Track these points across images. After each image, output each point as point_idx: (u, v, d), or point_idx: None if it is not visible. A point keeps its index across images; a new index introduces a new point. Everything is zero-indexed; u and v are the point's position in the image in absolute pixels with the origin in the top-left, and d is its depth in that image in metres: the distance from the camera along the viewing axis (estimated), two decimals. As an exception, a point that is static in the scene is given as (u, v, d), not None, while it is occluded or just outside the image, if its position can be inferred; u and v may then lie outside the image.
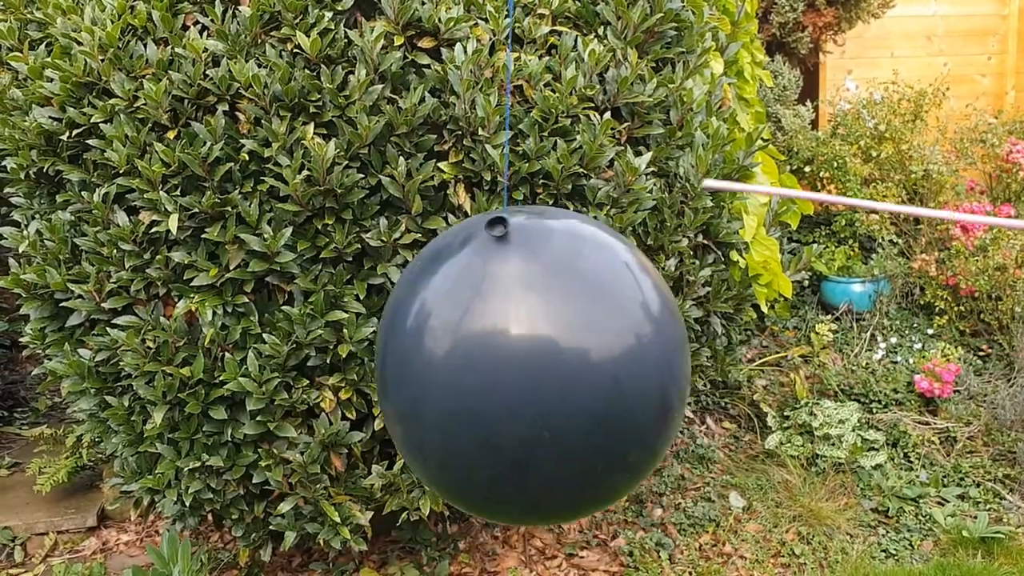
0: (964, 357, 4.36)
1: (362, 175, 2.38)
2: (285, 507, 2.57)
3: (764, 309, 3.06)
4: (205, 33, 2.43)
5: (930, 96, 4.87)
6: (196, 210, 2.36)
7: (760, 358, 4.50)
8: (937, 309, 4.64)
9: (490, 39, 2.46)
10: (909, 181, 4.82)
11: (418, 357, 1.26)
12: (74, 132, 2.44)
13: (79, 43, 2.41)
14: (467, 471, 1.28)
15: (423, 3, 2.40)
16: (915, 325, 4.71)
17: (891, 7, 5.23)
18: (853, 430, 3.81)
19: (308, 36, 2.31)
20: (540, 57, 2.49)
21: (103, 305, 2.50)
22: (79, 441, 3.50)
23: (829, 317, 4.76)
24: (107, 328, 2.50)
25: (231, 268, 2.40)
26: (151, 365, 2.44)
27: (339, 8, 2.39)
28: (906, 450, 3.83)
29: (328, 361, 2.47)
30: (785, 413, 4.06)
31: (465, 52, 2.34)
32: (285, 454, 2.51)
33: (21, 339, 2.82)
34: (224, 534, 3.38)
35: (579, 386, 1.20)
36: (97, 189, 2.45)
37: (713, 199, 2.76)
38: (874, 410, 4.07)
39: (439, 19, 2.38)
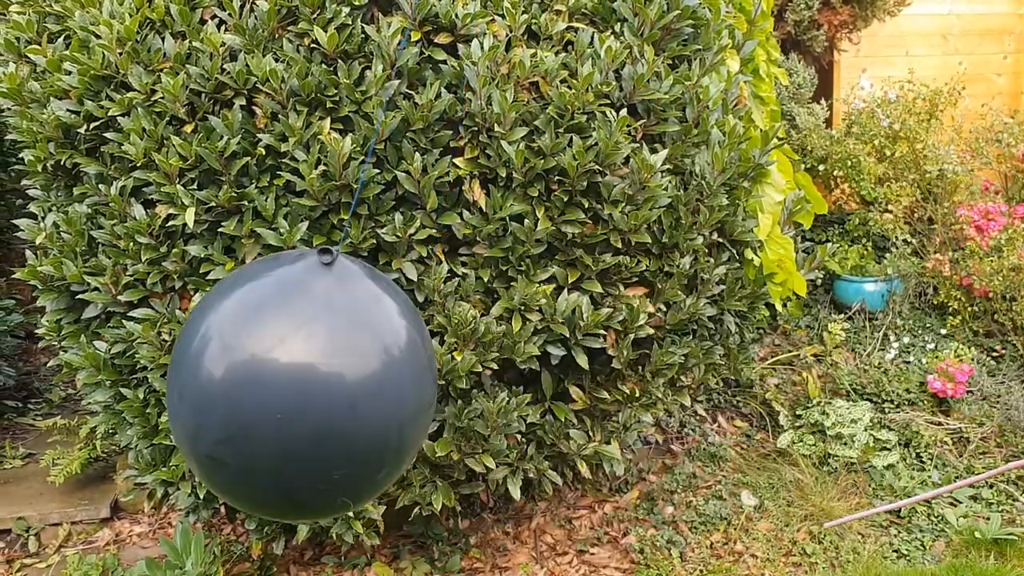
0: (977, 358, 4.34)
1: (378, 170, 2.38)
2: (298, 500, 2.57)
3: (778, 307, 3.05)
4: (223, 27, 2.43)
5: (945, 95, 4.84)
6: (213, 204, 2.37)
7: (772, 357, 4.50)
8: (950, 309, 4.63)
9: (507, 35, 2.46)
10: (924, 181, 4.80)
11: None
12: (92, 125, 2.45)
13: (97, 36, 2.42)
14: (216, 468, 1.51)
15: (440, -1, 2.40)
16: (928, 325, 4.69)
17: (907, 5, 5.20)
18: (865, 430, 3.80)
19: (325, 31, 2.31)
20: (556, 53, 2.48)
21: (119, 298, 2.51)
22: (93, 432, 3.52)
23: (842, 316, 4.74)
24: (123, 321, 2.51)
25: (247, 262, 2.41)
26: (167, 358, 2.45)
27: (356, 3, 2.39)
28: (918, 450, 3.82)
29: (342, 355, 2.47)
30: (797, 412, 4.06)
31: (482, 48, 2.34)
32: (299, 448, 2.51)
33: (37, 331, 2.84)
34: (237, 527, 3.39)
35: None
36: (114, 182, 2.46)
37: (729, 197, 2.75)
38: (886, 410, 4.06)
39: (456, 15, 2.38)
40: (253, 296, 1.48)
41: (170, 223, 2.42)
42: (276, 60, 2.37)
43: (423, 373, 1.55)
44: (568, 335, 2.55)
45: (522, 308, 2.49)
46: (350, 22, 2.36)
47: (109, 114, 2.42)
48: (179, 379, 1.48)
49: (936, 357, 4.27)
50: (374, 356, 1.46)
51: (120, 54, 2.39)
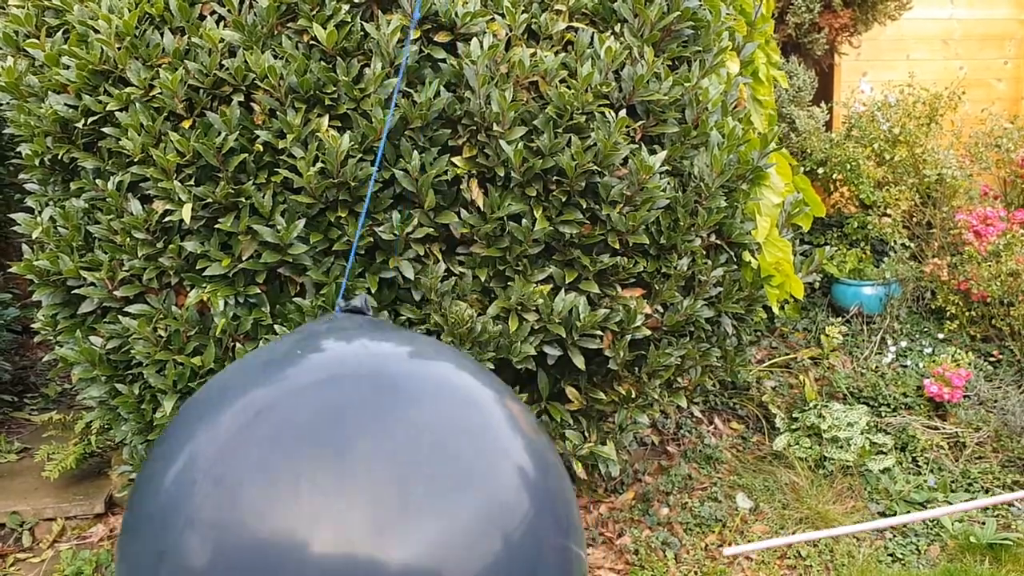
0: (974, 362, 4.34)
1: (376, 168, 2.38)
2: (292, 498, 2.57)
3: (775, 310, 3.05)
4: (222, 23, 2.43)
5: (945, 99, 4.84)
6: (210, 200, 2.37)
7: (769, 359, 4.49)
8: (948, 314, 4.62)
9: (506, 34, 2.45)
10: (922, 185, 4.80)
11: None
12: (89, 120, 2.45)
13: (96, 31, 2.41)
14: None
15: (440, -3, 2.39)
16: (926, 329, 4.69)
17: (908, 9, 5.20)
18: (861, 433, 3.80)
19: (324, 28, 2.31)
20: (556, 53, 2.48)
21: (115, 293, 2.50)
22: (88, 428, 3.51)
23: (839, 320, 4.74)
24: (119, 316, 2.51)
25: (244, 259, 2.40)
26: (162, 354, 2.45)
27: (356, 1, 2.39)
28: (914, 454, 3.81)
29: (338, 353, 2.47)
30: (793, 415, 4.05)
31: (481, 47, 2.33)
32: (294, 445, 2.51)
33: (33, 325, 2.83)
34: (231, 524, 3.38)
35: None
36: (111, 177, 2.45)
37: (727, 199, 2.75)
38: (883, 414, 4.05)
39: (456, 13, 2.38)
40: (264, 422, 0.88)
41: (167, 219, 2.42)
42: (275, 57, 2.36)
43: (571, 523, 0.95)
44: (565, 335, 2.55)
45: (519, 308, 2.49)
46: (349, 19, 2.36)
47: (107, 109, 2.41)
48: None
49: (933, 361, 4.27)
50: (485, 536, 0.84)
51: (119, 49, 2.39)
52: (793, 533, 3.35)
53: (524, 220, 2.44)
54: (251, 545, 0.77)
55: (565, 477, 0.94)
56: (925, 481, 3.66)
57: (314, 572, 0.76)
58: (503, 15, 2.45)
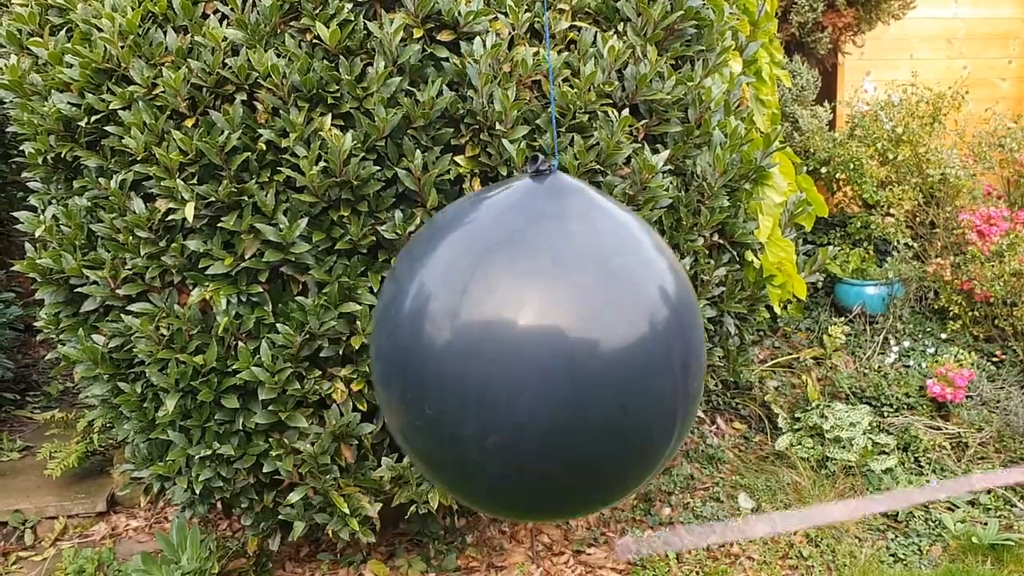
0: (977, 363, 4.33)
1: (378, 167, 2.38)
2: (294, 497, 2.57)
3: (777, 310, 3.04)
4: (225, 22, 2.43)
5: (949, 99, 4.83)
6: (212, 199, 2.37)
7: (772, 359, 4.49)
8: (951, 314, 4.62)
9: (509, 33, 2.45)
10: (926, 184, 4.79)
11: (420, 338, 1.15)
12: (92, 118, 2.45)
13: (99, 29, 2.41)
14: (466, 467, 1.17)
15: (443, -4, 2.39)
16: (928, 329, 4.69)
17: (912, 8, 5.19)
18: (864, 433, 3.79)
19: (327, 27, 2.31)
20: (559, 52, 2.48)
21: (118, 291, 2.50)
22: (90, 426, 3.51)
23: (842, 319, 4.73)
24: (121, 314, 2.51)
25: (246, 257, 2.40)
26: (164, 352, 2.45)
27: (359, 0, 2.38)
28: (917, 455, 3.81)
29: (341, 352, 2.47)
30: (796, 415, 4.05)
31: (484, 46, 2.33)
32: (296, 444, 2.51)
33: (35, 323, 2.83)
34: (233, 522, 3.39)
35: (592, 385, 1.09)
36: (114, 175, 2.45)
37: (730, 199, 2.75)
38: (885, 414, 4.05)
39: (459, 12, 2.37)
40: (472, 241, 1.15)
41: (170, 217, 2.42)
42: (278, 55, 2.36)
43: (696, 327, 1.20)
44: (567, 335, 2.54)
45: (521, 307, 2.48)
46: (352, 18, 2.35)
47: (110, 107, 2.41)
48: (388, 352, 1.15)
49: (936, 361, 4.27)
50: (642, 317, 1.10)
51: (122, 47, 2.39)
52: (795, 533, 3.35)
53: (527, 219, 2.44)
54: (481, 322, 1.07)
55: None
56: (927, 481, 3.65)
57: (530, 343, 1.05)
58: (506, 14, 2.45)
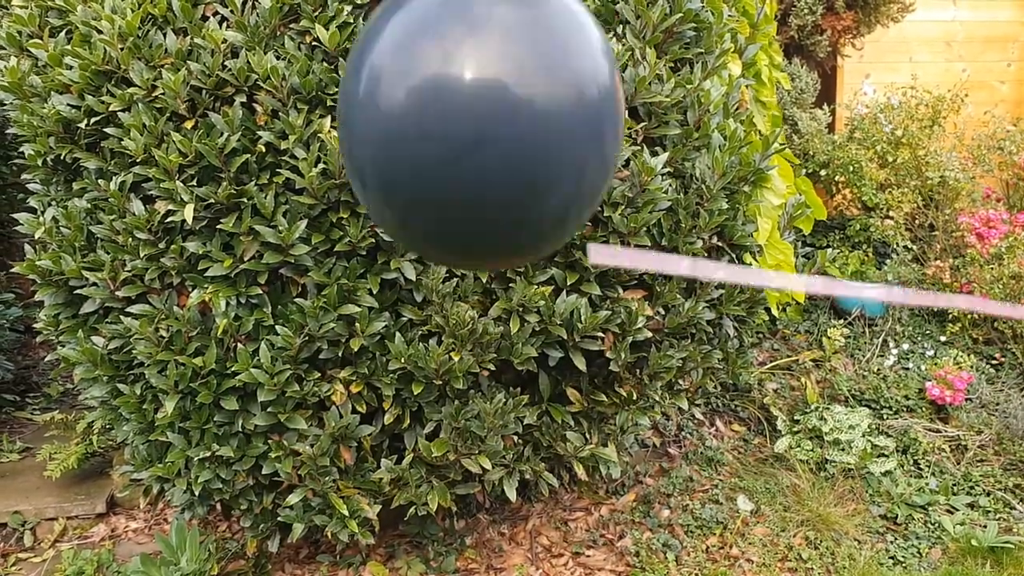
0: (977, 365, 4.33)
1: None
2: (294, 499, 2.57)
3: (775, 312, 3.05)
4: (224, 24, 2.43)
5: (948, 102, 4.84)
6: (212, 201, 2.37)
7: (771, 361, 4.49)
8: (950, 316, 4.62)
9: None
10: (925, 187, 4.80)
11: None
12: (92, 120, 2.45)
13: (99, 31, 2.42)
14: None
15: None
16: (928, 332, 4.69)
17: (911, 11, 5.19)
18: (863, 436, 3.79)
19: (327, 29, 2.31)
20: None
21: (117, 293, 2.51)
22: (90, 428, 3.52)
23: (841, 322, 4.74)
24: (121, 316, 2.51)
25: (245, 259, 2.41)
26: (164, 354, 2.45)
27: (358, 2, 2.39)
28: (916, 457, 3.81)
29: (340, 354, 2.47)
30: (795, 417, 4.05)
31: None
32: (295, 446, 2.52)
33: (35, 325, 2.84)
34: (232, 524, 3.39)
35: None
36: (114, 177, 2.46)
37: (729, 201, 2.75)
38: (884, 416, 4.05)
39: (458, 15, 2.37)
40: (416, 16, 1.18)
41: (169, 219, 2.42)
42: (277, 57, 2.37)
43: (618, 121, 1.24)
44: (566, 337, 2.55)
45: (520, 309, 2.49)
46: (351, 20, 2.36)
47: (110, 109, 2.42)
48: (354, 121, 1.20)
49: (935, 364, 4.27)
50: (577, 87, 1.16)
51: (121, 49, 2.39)
52: (794, 536, 3.35)
53: (526, 221, 2.44)
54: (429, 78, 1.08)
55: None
56: (926, 484, 3.65)
57: (468, 94, 1.08)
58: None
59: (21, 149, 2.65)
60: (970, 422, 3.98)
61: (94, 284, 2.53)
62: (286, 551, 3.21)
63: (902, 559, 3.24)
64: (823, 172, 5.00)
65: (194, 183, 2.39)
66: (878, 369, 4.37)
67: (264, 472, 2.55)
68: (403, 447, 2.66)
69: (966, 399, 4.06)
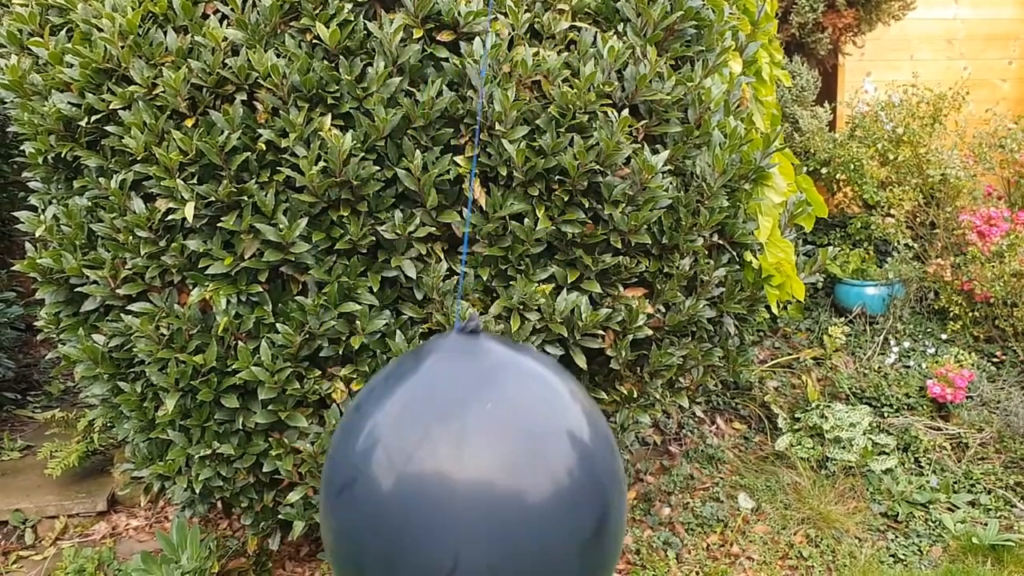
0: (978, 363, 4.33)
1: (378, 167, 2.38)
2: (294, 496, 2.57)
3: (775, 311, 3.04)
4: (225, 22, 2.43)
5: (949, 100, 4.84)
6: (212, 199, 2.37)
7: (772, 359, 4.49)
8: (951, 314, 4.62)
9: (509, 34, 2.45)
10: (926, 185, 4.79)
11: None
12: (92, 118, 2.45)
13: (99, 29, 2.42)
14: None
15: (443, -4, 2.39)
16: (929, 330, 4.69)
17: (912, 9, 5.19)
18: (864, 434, 3.79)
19: (328, 27, 2.31)
20: (559, 52, 2.48)
21: (118, 291, 2.51)
22: (91, 426, 3.52)
23: (842, 320, 4.74)
24: (121, 314, 2.51)
25: (246, 257, 2.41)
26: (164, 352, 2.45)
27: (359, 0, 2.39)
28: (917, 455, 3.81)
29: (340, 352, 2.48)
30: (796, 415, 4.05)
31: (484, 46, 2.33)
32: (295, 444, 2.52)
33: (36, 323, 2.84)
34: (233, 522, 3.39)
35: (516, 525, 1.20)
36: (114, 175, 2.46)
37: (729, 199, 2.75)
38: (885, 414, 4.05)
39: (459, 13, 2.38)
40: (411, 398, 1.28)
41: (169, 217, 2.42)
42: (278, 55, 2.37)
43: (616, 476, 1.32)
44: (567, 335, 2.54)
45: (521, 307, 2.49)
46: (352, 18, 2.36)
47: (110, 107, 2.41)
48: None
49: (936, 362, 4.27)
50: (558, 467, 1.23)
51: (122, 47, 2.39)
52: (795, 533, 3.35)
53: (526, 220, 2.44)
54: (417, 473, 1.20)
55: (610, 432, 1.36)
56: (927, 482, 3.65)
57: (463, 491, 1.19)
58: (506, 14, 2.45)
59: (22, 147, 2.65)
60: (971, 420, 3.98)
61: (95, 282, 2.53)
62: (287, 549, 3.22)
63: (903, 557, 3.24)
64: (824, 170, 5.00)
65: (195, 181, 2.39)
66: (879, 367, 4.37)
67: (265, 470, 2.56)
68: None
69: (967, 397, 4.06)
